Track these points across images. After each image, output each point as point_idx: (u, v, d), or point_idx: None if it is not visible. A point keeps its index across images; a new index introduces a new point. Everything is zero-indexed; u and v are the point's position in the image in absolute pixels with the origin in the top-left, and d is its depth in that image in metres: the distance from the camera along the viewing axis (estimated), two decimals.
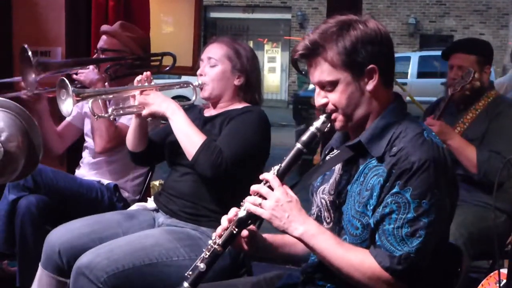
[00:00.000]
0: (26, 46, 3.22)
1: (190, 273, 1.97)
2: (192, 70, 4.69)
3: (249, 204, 1.90)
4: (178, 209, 2.74)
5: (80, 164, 3.64)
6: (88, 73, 3.35)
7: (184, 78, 6.12)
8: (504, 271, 2.54)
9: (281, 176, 1.91)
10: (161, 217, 2.81)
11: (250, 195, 1.92)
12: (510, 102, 3.53)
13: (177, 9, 5.06)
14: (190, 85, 2.89)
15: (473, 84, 3.40)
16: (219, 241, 1.95)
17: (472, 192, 3.30)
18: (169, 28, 5.17)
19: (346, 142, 2.01)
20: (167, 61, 3.72)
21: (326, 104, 1.93)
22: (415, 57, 18.08)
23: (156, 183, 5.12)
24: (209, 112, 2.89)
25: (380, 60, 1.88)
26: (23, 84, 3.36)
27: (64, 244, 2.69)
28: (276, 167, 1.92)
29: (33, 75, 3.22)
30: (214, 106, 2.87)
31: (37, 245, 3.07)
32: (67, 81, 2.72)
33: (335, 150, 2.06)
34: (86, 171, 3.56)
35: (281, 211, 1.85)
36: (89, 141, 3.59)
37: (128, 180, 3.50)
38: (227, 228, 1.95)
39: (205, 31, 21.06)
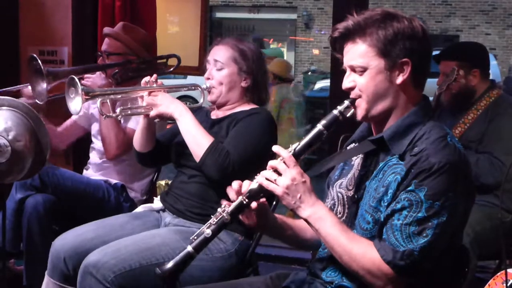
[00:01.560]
0: (34, 55, 3.20)
1: (195, 237, 1.95)
2: (198, 70, 4.70)
3: (263, 178, 1.89)
4: (185, 209, 2.74)
5: (88, 165, 3.64)
6: (95, 78, 3.36)
7: (190, 78, 6.14)
8: (511, 271, 2.54)
9: (297, 155, 1.91)
10: (167, 217, 2.81)
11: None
12: (511, 102, 3.52)
13: (183, 9, 5.06)
14: (198, 88, 2.90)
15: (459, 83, 3.41)
16: (228, 209, 1.94)
17: (478, 192, 3.29)
18: (175, 28, 5.17)
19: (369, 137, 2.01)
20: (172, 62, 3.72)
21: (352, 88, 1.93)
22: None
23: (162, 182, 5.13)
24: (216, 114, 2.90)
25: (415, 57, 1.89)
26: (33, 94, 3.29)
27: (69, 251, 2.69)
28: (294, 145, 1.92)
29: (44, 85, 3.20)
30: (221, 108, 2.88)
31: (43, 245, 3.08)
32: (76, 79, 2.73)
33: (355, 144, 2.06)
34: (93, 172, 3.56)
35: (294, 191, 1.85)
36: (96, 143, 3.59)
37: (135, 180, 3.50)
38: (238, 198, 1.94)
39: (211, 31, 21.05)
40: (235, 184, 1.98)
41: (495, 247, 3.04)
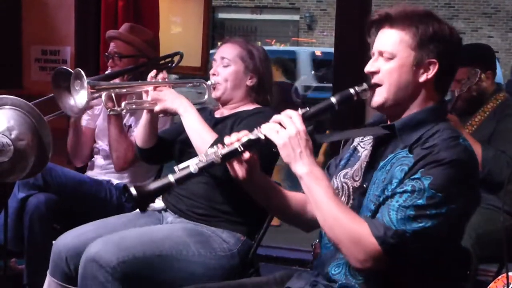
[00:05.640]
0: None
1: (180, 169, 1.89)
2: (201, 70, 4.72)
3: (266, 128, 1.86)
4: (187, 209, 2.73)
5: (92, 165, 3.64)
6: None
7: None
8: None
9: (303, 119, 1.87)
10: (169, 217, 2.80)
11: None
12: None
13: (186, 10, 5.07)
14: (203, 84, 2.90)
15: (480, 85, 3.40)
16: (221, 151, 1.89)
17: (486, 190, 3.29)
18: (178, 28, 5.18)
19: None
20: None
21: (375, 73, 1.92)
22: None
23: None
24: (219, 113, 2.89)
25: (444, 61, 1.89)
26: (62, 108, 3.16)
27: (70, 250, 2.68)
28: (303, 110, 1.89)
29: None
30: (225, 106, 2.87)
31: (45, 244, 3.09)
32: (82, 72, 2.72)
33: (365, 138, 2.06)
34: (97, 173, 3.56)
35: (297, 144, 1.82)
36: (99, 143, 3.59)
37: (138, 180, 3.47)
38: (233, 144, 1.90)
39: (214, 31, 21.06)
40: (240, 134, 1.93)
41: (496, 250, 3.03)
